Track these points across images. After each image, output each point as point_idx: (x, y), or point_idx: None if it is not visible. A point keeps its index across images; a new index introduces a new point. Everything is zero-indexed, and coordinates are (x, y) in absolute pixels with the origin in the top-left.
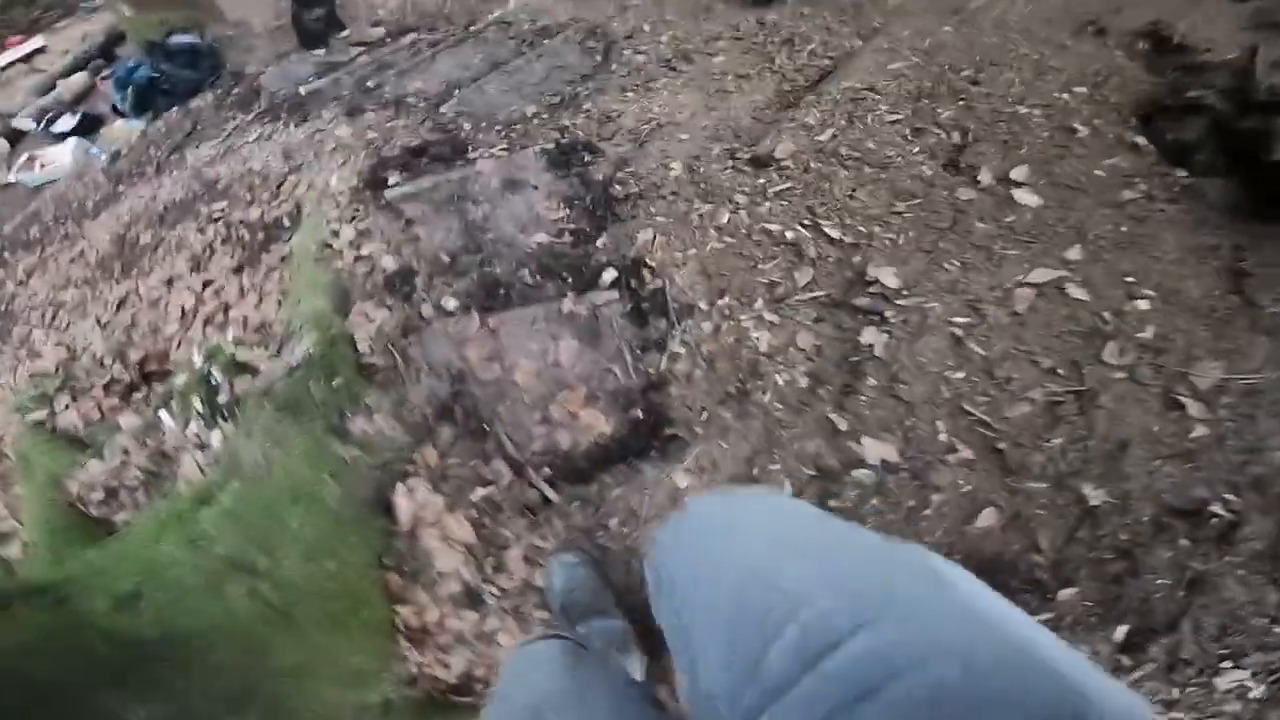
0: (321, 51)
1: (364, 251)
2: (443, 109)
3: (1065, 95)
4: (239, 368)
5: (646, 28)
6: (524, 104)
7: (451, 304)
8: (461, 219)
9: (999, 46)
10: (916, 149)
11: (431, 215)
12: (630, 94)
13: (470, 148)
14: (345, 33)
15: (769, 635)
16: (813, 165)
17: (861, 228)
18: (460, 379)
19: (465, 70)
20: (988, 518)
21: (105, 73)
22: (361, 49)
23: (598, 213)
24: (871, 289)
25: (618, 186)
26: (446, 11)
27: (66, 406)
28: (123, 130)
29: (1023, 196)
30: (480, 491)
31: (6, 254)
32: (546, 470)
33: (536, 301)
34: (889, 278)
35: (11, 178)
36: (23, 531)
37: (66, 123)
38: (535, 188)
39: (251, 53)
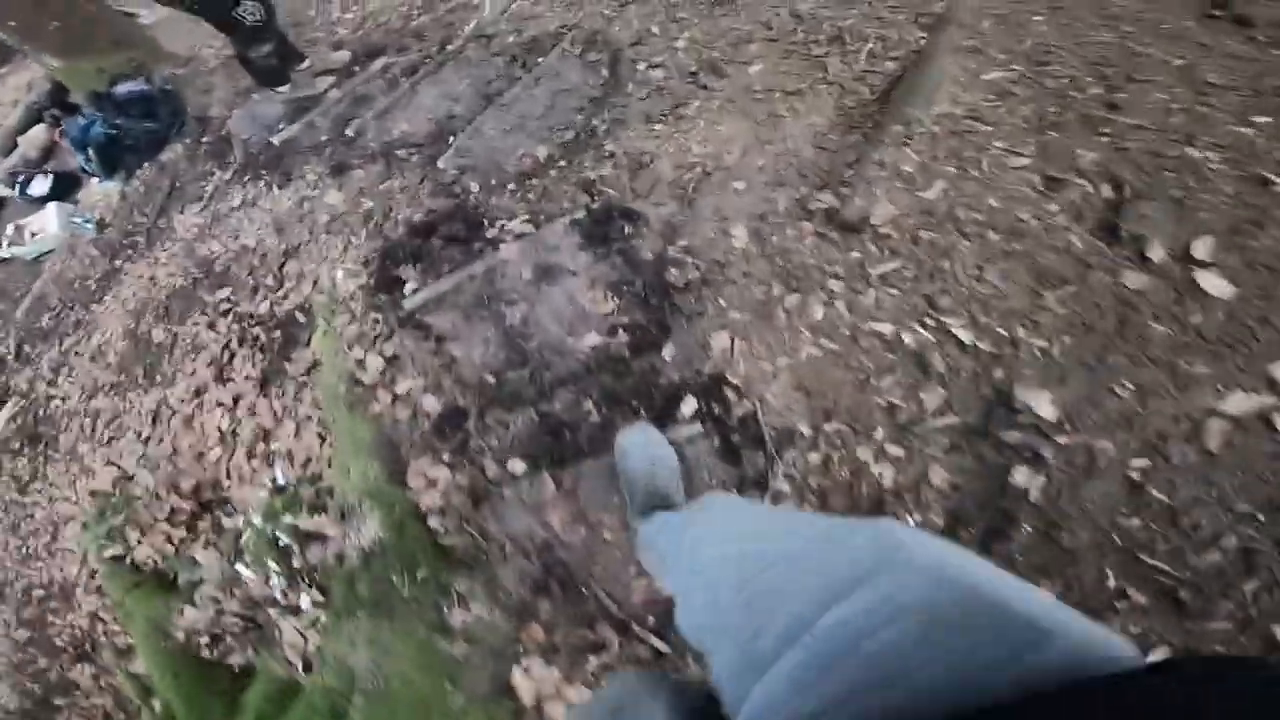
0: (285, 88)
1: (400, 389)
2: (440, 163)
3: (1247, 129)
4: (305, 536)
5: (655, 30)
6: (533, 145)
7: (519, 467)
8: (497, 325)
9: (1121, 48)
10: (1055, 208)
11: (463, 326)
12: (659, 125)
13: (485, 219)
14: (306, 63)
15: (761, 628)
16: (923, 235)
17: (1000, 328)
18: (547, 548)
19: (453, 102)
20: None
21: (63, 126)
22: (329, 78)
23: (653, 301)
24: (1020, 417)
25: (673, 271)
26: (414, 26)
27: (139, 541)
28: (101, 193)
29: (1210, 283)
30: (593, 660)
31: (27, 347)
32: (651, 621)
33: (609, 448)
34: (1043, 405)
35: (5, 252)
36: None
37: (41, 185)
38: (574, 273)
39: (210, 93)
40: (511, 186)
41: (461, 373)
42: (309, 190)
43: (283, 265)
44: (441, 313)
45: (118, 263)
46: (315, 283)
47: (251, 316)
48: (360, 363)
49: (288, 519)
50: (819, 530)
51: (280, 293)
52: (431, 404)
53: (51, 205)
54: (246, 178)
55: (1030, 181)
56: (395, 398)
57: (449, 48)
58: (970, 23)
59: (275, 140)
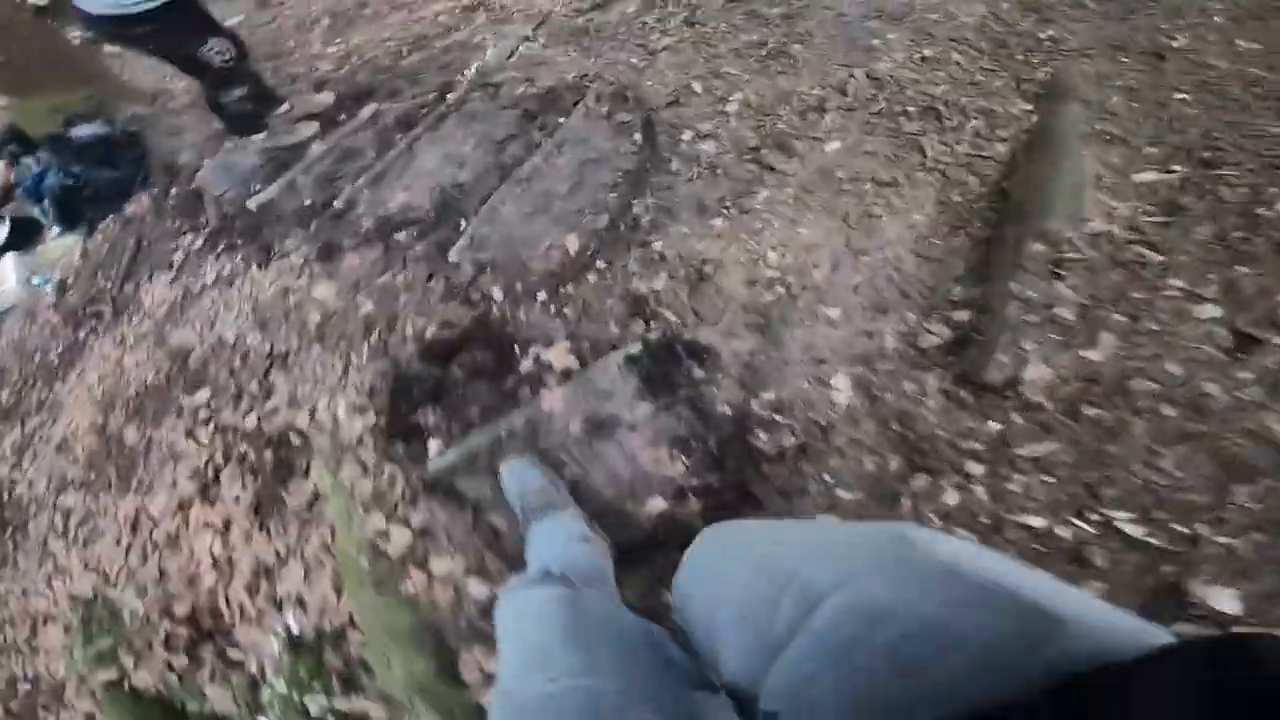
0: (262, 136)
1: (436, 570)
2: (452, 255)
3: None
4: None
5: (697, 88)
6: (561, 234)
7: None
8: None
9: None
10: (1248, 376)
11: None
12: (718, 220)
13: (515, 343)
14: (285, 107)
15: (771, 612)
16: (1086, 411)
17: (1178, 524)
18: None
19: (458, 167)
20: None
21: (15, 172)
22: (312, 125)
23: (730, 463)
24: (1195, 610)
25: (762, 435)
26: (406, 66)
27: (135, 666)
28: (59, 249)
29: None
30: None
31: None
32: None
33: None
34: (1223, 600)
35: None
36: None
37: None
38: (633, 428)
39: (179, 135)
40: (542, 296)
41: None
42: (294, 277)
43: (268, 371)
44: (476, 476)
45: (81, 334)
46: (312, 413)
47: (236, 430)
48: (383, 533)
49: (320, 696)
50: (836, 531)
51: (268, 406)
52: (478, 590)
53: (9, 257)
54: (221, 247)
55: (1216, 339)
56: (431, 577)
57: (450, 97)
58: (1094, 98)
59: (252, 205)
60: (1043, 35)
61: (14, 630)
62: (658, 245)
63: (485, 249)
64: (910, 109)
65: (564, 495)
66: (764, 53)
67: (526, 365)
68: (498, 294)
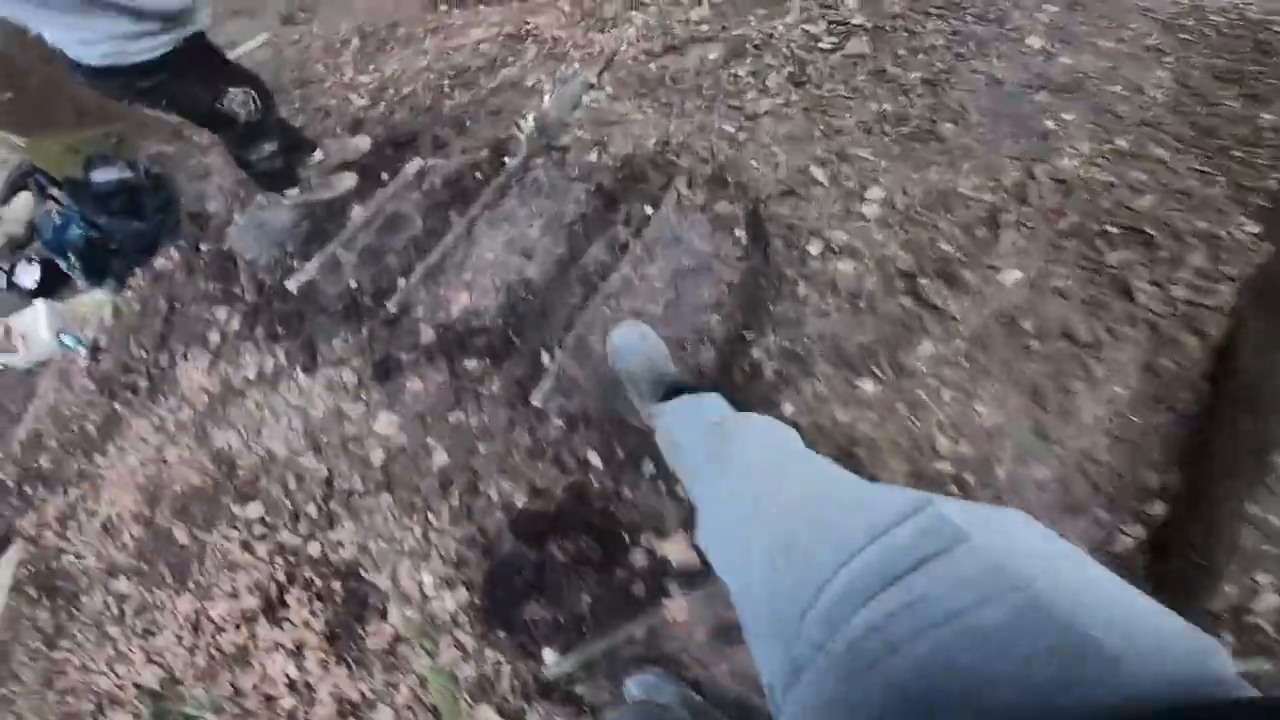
0: (295, 191)
1: None
2: (536, 400)
3: None
4: None
5: (819, 174)
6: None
7: None
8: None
9: None
10: None
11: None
12: (868, 384)
13: (622, 528)
14: (318, 156)
15: (804, 608)
16: None
17: None
18: None
19: (525, 259)
20: None
21: (40, 211)
22: (349, 176)
23: None
24: None
25: None
26: (450, 109)
27: None
28: (89, 303)
29: None
30: None
31: (27, 488)
32: None
33: None
34: None
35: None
36: None
37: (29, 275)
38: None
39: (207, 178)
40: (650, 468)
41: None
42: (348, 398)
43: (327, 498)
44: (595, 681)
45: (117, 405)
46: (394, 578)
47: (298, 554)
48: None
49: None
50: (860, 496)
51: (332, 537)
52: None
53: (40, 305)
54: (260, 333)
55: None
56: None
57: (508, 161)
58: None
59: (291, 286)
60: (1262, 121)
61: (77, 701)
62: (789, 408)
63: (574, 394)
64: (1110, 228)
65: None
66: (905, 131)
67: (638, 557)
68: (595, 459)
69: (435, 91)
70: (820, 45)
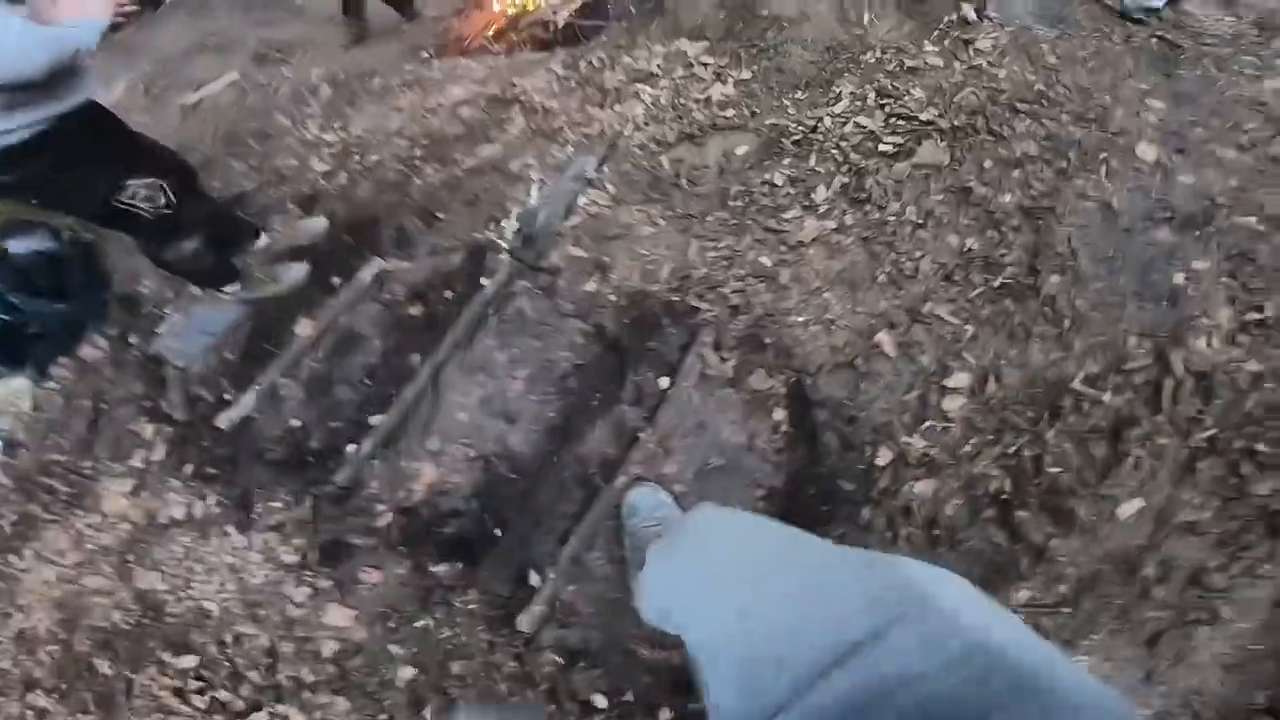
0: (236, 286)
1: None
2: (523, 624)
3: None
4: None
5: (887, 343)
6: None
7: None
8: None
9: None
10: None
11: None
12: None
13: None
14: (263, 241)
15: (771, 673)
16: None
17: None
18: None
19: (506, 423)
20: None
21: None
22: (301, 267)
23: None
24: None
25: None
26: (419, 190)
27: None
28: (6, 393)
29: None
30: None
31: None
32: None
33: None
34: None
35: None
36: None
37: None
38: None
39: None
40: (667, 716)
41: None
42: (290, 580)
43: (273, 671)
44: None
45: (33, 507)
46: None
47: (241, 717)
48: None
49: None
50: (825, 564)
51: (280, 708)
52: None
53: None
54: (187, 469)
55: None
56: None
57: (485, 284)
58: None
59: (223, 423)
60: None
61: None
62: None
63: (574, 623)
64: (1258, 445)
65: None
66: (997, 284)
67: None
68: (600, 701)
69: (405, 166)
70: (881, 148)
